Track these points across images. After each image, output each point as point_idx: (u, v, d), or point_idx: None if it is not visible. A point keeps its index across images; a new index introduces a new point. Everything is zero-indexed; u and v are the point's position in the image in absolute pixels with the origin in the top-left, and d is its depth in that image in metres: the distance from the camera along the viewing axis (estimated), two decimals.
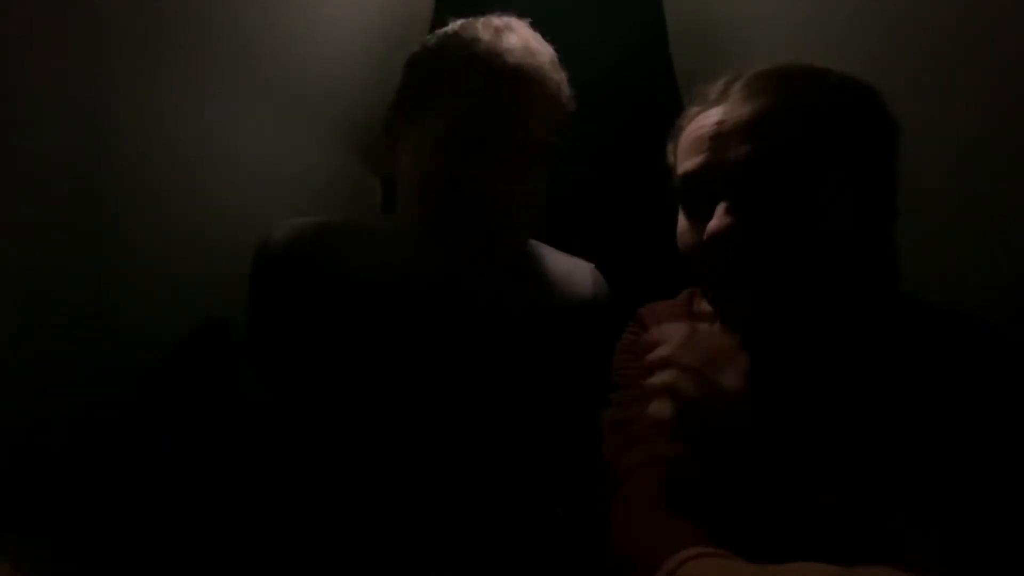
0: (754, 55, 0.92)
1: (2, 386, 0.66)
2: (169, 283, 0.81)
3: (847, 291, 0.59)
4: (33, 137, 0.67)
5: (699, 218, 0.60)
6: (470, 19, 0.72)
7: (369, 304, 0.73)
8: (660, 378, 0.55)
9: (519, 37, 0.70)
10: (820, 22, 0.89)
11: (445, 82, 0.69)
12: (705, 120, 0.60)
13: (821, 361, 0.58)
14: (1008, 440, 0.51)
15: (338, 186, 1.05)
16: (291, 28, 0.92)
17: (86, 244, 0.74)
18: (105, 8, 0.71)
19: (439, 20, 0.76)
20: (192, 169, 0.83)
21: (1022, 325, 0.60)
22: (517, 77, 0.67)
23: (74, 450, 0.73)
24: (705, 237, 0.57)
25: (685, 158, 0.62)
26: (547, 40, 0.73)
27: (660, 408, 0.55)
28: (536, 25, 0.74)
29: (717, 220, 0.56)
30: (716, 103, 0.60)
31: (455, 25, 0.72)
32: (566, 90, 0.73)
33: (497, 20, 0.72)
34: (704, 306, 0.67)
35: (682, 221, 0.63)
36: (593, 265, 0.85)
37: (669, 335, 0.59)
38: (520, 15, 0.74)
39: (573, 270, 0.83)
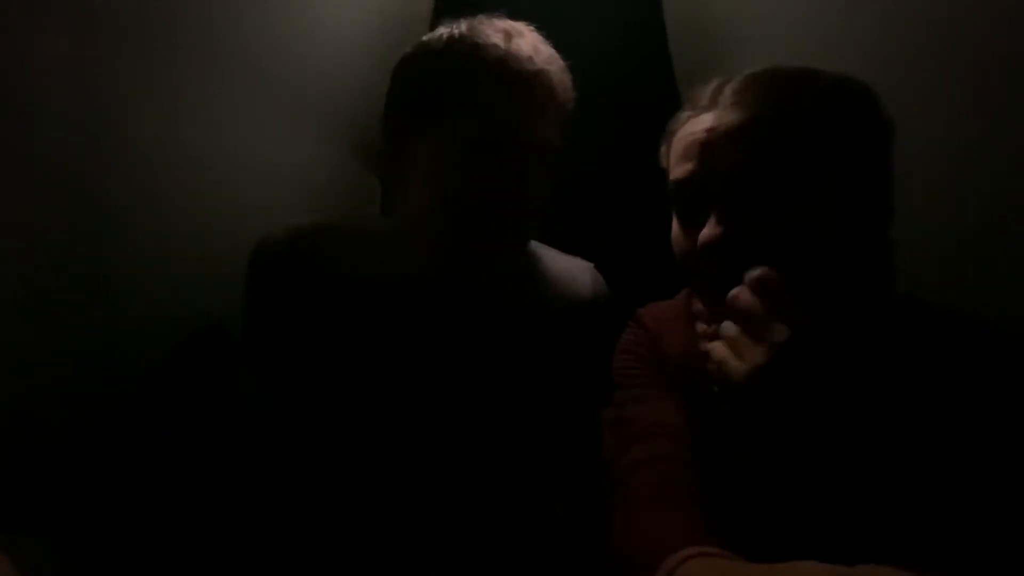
0: (754, 55, 0.93)
1: (2, 386, 0.66)
2: (169, 283, 0.81)
3: (842, 292, 0.58)
4: (33, 137, 0.67)
5: (692, 224, 0.60)
6: (474, 22, 0.72)
7: (368, 304, 0.73)
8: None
9: (527, 41, 0.71)
10: (820, 22, 0.89)
11: (459, 85, 0.69)
12: (695, 126, 0.60)
13: (820, 361, 0.58)
14: (1008, 440, 0.51)
15: (338, 186, 1.05)
16: (291, 28, 0.92)
17: (86, 244, 0.73)
18: (105, 8, 0.71)
19: (439, 20, 0.76)
20: (192, 169, 0.83)
21: (1022, 325, 0.60)
22: (532, 81, 0.69)
23: (74, 450, 0.73)
24: (698, 245, 0.57)
25: (677, 164, 0.61)
26: (547, 40, 0.73)
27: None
28: (536, 25, 0.74)
29: (709, 229, 0.57)
30: (707, 108, 0.60)
31: (460, 27, 0.72)
32: (571, 92, 0.74)
33: (501, 23, 0.72)
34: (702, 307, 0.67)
35: (675, 227, 0.63)
36: (593, 265, 0.86)
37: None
38: (520, 15, 0.74)
39: (573, 270, 0.83)
